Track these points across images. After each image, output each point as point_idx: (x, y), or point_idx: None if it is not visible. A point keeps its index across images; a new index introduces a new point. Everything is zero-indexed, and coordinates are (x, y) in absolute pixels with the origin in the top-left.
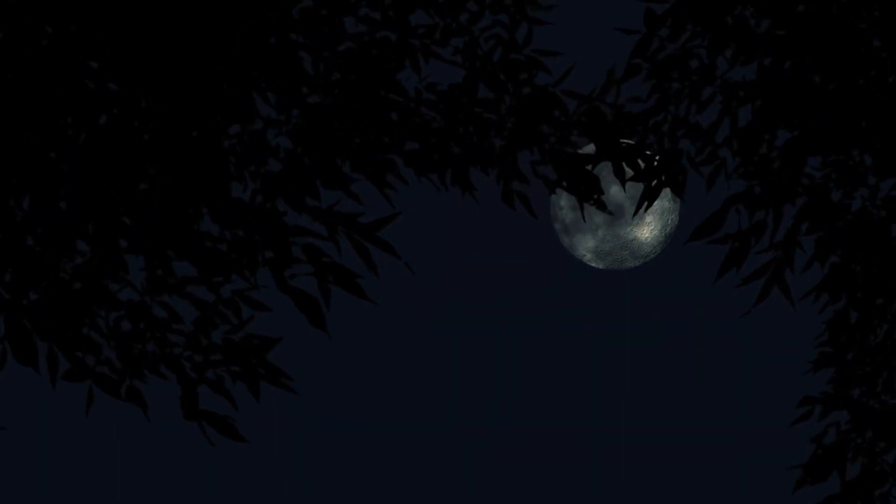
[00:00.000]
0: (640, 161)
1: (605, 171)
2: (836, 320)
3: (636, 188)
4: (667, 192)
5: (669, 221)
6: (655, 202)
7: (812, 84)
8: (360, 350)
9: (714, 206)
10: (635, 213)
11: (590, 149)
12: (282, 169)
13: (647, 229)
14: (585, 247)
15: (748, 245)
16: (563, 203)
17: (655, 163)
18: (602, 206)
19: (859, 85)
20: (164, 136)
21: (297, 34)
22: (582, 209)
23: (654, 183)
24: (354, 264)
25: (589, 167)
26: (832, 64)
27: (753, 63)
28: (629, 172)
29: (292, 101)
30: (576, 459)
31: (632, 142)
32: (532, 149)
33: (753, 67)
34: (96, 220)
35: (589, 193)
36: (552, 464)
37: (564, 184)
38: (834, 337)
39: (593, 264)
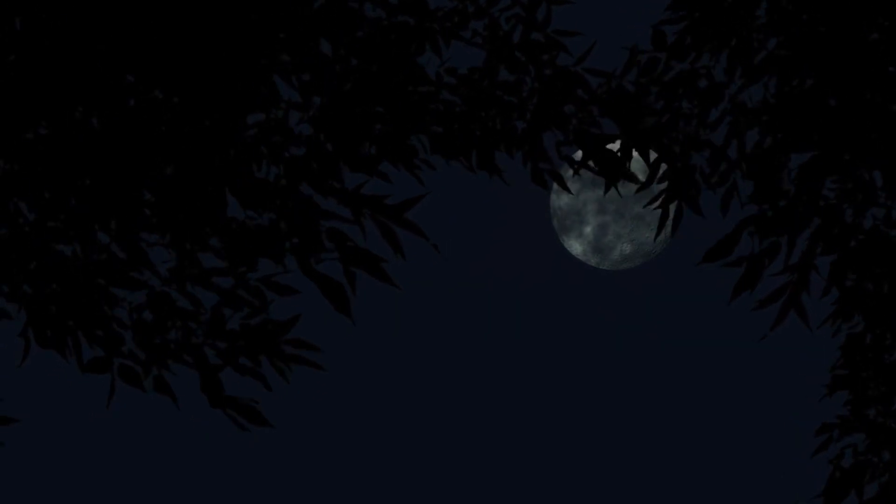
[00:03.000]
0: (660, 145)
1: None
2: (850, 342)
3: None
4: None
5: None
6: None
7: (825, 103)
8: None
9: (718, 213)
10: (656, 236)
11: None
12: (305, 152)
13: (648, 229)
14: (585, 247)
15: (762, 267)
16: (564, 203)
17: (669, 184)
18: (634, 179)
19: (869, 100)
20: (184, 123)
21: (317, 20)
22: (607, 188)
23: (666, 199)
24: (379, 248)
25: (612, 147)
26: (842, 80)
27: (761, 82)
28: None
29: (314, 87)
30: (576, 459)
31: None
32: (557, 129)
33: (761, 87)
34: (117, 212)
35: (614, 173)
36: (552, 463)
37: (590, 163)
38: (848, 358)
39: (592, 264)
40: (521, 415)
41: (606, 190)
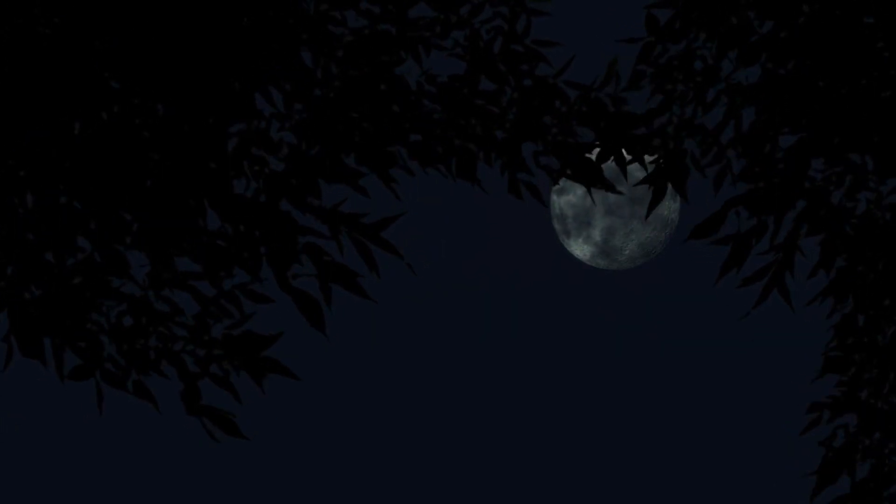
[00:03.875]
0: (644, 154)
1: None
2: (843, 324)
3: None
4: (668, 192)
5: (670, 221)
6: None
7: (816, 86)
8: (358, 347)
9: (716, 207)
10: (647, 216)
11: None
12: (285, 168)
13: (648, 229)
14: (585, 247)
15: (749, 246)
16: (563, 203)
17: (661, 163)
18: (611, 188)
19: (862, 85)
20: (165, 133)
21: (299, 30)
22: (590, 192)
23: (657, 176)
24: (354, 262)
25: (590, 156)
26: (835, 64)
27: (757, 64)
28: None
29: (297, 96)
30: (576, 460)
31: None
32: (535, 140)
33: (758, 69)
34: (97, 217)
35: (593, 181)
36: (552, 463)
37: (568, 172)
38: (841, 340)
39: (592, 264)
40: (521, 415)
41: (590, 193)
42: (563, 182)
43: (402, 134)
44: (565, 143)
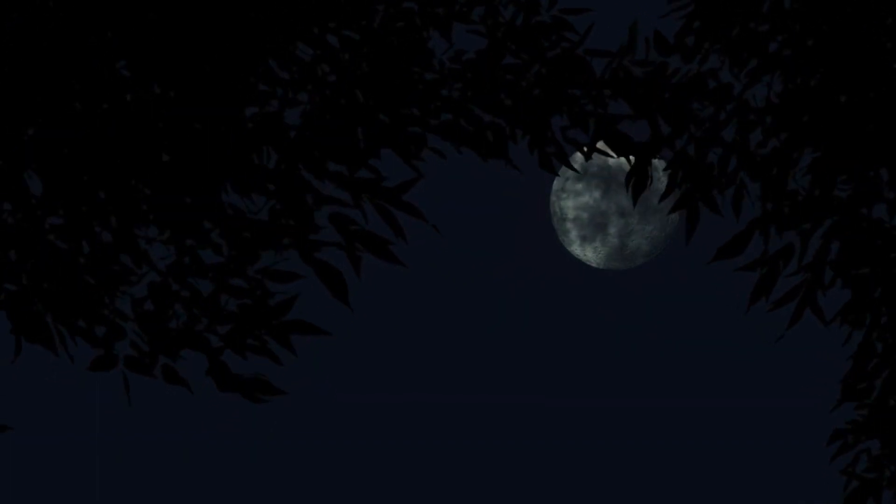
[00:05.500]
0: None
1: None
2: (861, 351)
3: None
4: (660, 192)
5: (669, 221)
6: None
7: (838, 102)
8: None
9: (715, 213)
10: (687, 242)
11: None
12: (301, 138)
13: (648, 230)
14: (585, 247)
15: (777, 272)
16: (564, 203)
17: (687, 184)
18: (641, 159)
19: (872, 98)
20: (181, 112)
21: (324, 13)
22: (628, 160)
23: (691, 204)
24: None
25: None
26: (847, 80)
27: (765, 80)
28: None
29: (308, 78)
30: (575, 460)
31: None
32: (561, 114)
33: (764, 87)
34: (115, 207)
35: (626, 151)
36: (551, 464)
37: (600, 143)
38: (860, 368)
39: (593, 264)
40: (521, 415)
41: (628, 186)
42: (564, 183)
43: (429, 114)
44: (595, 114)
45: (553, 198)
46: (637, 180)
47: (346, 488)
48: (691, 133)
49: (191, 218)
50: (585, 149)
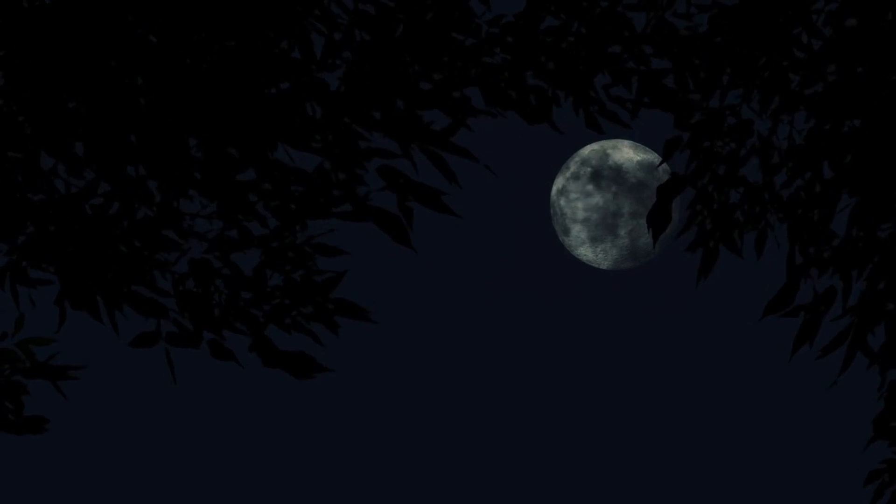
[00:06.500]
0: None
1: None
2: (892, 391)
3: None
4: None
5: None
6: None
7: (875, 144)
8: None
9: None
10: (697, 284)
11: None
12: (345, 86)
13: (647, 231)
14: (586, 248)
15: (820, 316)
16: (564, 203)
17: (707, 223)
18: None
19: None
20: (227, 71)
21: None
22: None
23: (711, 244)
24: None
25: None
26: (883, 121)
27: (785, 121)
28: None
29: (344, 44)
30: (575, 460)
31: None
32: (604, 72)
33: (786, 126)
34: (163, 172)
35: (671, 106)
36: (551, 464)
37: (646, 100)
38: (891, 406)
39: (594, 265)
40: (520, 415)
41: (666, 155)
42: (565, 182)
43: (470, 80)
44: (639, 71)
45: (553, 198)
46: (658, 221)
47: (345, 488)
48: (714, 171)
49: (239, 187)
50: (630, 106)
